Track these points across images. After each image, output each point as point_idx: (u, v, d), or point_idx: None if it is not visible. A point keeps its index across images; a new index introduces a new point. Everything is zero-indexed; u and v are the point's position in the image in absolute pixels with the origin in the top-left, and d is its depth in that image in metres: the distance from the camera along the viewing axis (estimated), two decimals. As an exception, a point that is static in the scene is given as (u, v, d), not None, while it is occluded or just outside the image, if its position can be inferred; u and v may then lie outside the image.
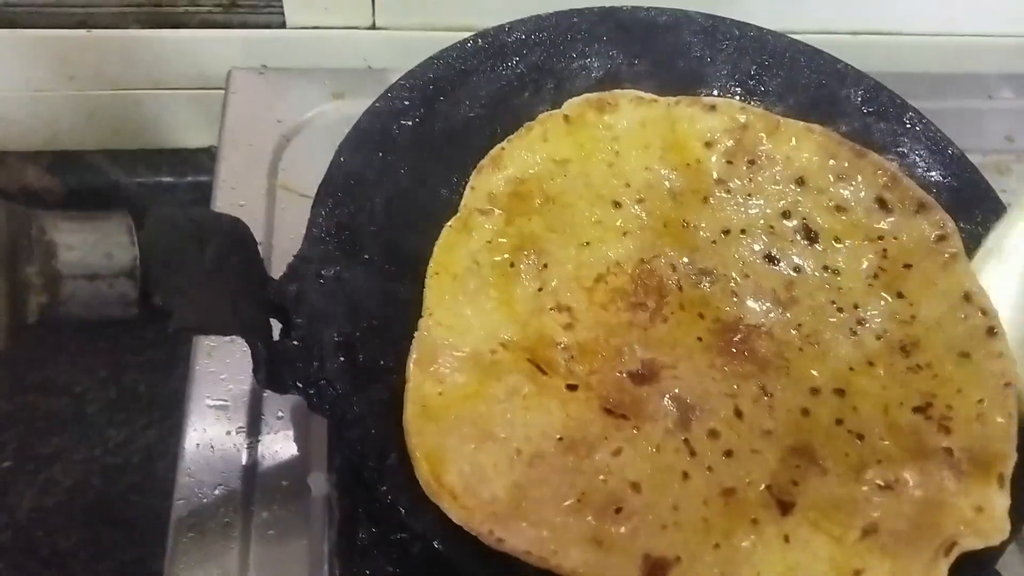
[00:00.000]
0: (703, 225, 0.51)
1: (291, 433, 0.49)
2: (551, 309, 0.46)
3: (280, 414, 0.49)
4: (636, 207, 0.51)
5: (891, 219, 0.51)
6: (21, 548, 0.75)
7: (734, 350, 0.46)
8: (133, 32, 0.70)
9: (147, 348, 0.82)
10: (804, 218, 0.51)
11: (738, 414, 0.44)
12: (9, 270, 0.30)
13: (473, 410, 0.41)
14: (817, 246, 0.51)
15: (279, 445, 0.48)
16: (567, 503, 0.39)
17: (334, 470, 0.47)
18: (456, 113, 0.55)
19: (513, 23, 0.59)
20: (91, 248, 0.33)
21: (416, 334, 0.44)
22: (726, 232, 0.51)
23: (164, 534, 0.59)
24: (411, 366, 0.43)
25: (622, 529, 0.39)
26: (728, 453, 0.42)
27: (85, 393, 0.82)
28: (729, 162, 0.53)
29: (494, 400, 0.42)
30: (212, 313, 0.37)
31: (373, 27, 0.72)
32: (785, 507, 0.41)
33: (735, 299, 0.48)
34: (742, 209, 0.52)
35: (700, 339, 0.46)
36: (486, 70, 0.57)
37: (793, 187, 0.52)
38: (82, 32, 0.70)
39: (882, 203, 0.52)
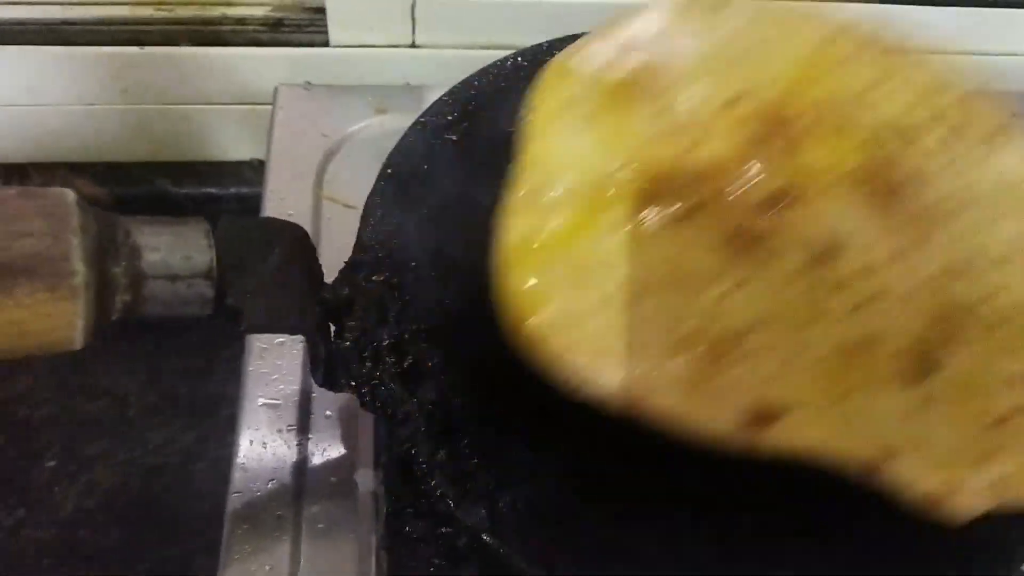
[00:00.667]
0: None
1: (338, 432, 0.51)
2: (669, 133, 0.41)
3: (328, 413, 0.51)
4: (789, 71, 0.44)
5: None
6: (65, 546, 0.77)
7: (891, 191, 0.40)
8: (183, 49, 0.73)
9: (187, 353, 0.85)
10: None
11: (886, 263, 0.39)
12: (98, 269, 0.33)
13: (574, 247, 0.38)
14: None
15: (327, 443, 0.50)
16: (669, 343, 0.36)
17: (380, 467, 0.49)
18: (497, 127, 0.57)
19: (551, 42, 0.61)
20: (172, 250, 0.35)
21: (512, 172, 0.40)
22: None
23: (201, 532, 0.60)
24: (508, 202, 0.39)
25: (729, 373, 0.35)
26: (867, 303, 0.37)
27: (126, 396, 0.85)
28: None
29: (597, 235, 0.38)
30: (279, 314, 0.39)
31: (413, 45, 0.75)
32: (921, 373, 0.37)
33: (899, 145, 0.41)
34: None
35: (850, 172, 0.40)
36: (526, 87, 0.59)
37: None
38: (134, 49, 0.73)
39: None
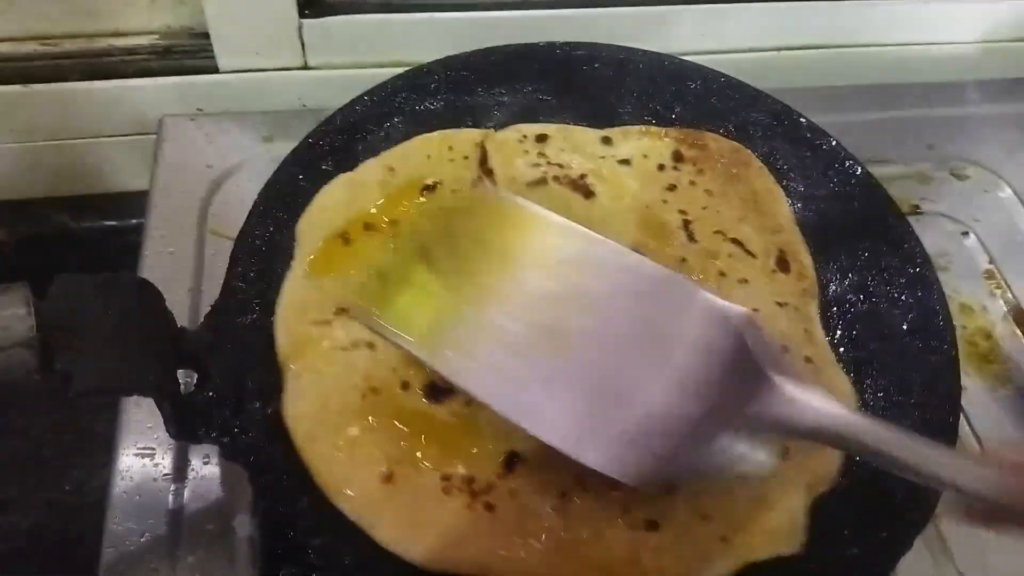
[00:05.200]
0: None
1: (217, 478, 0.50)
2: None
3: (206, 459, 0.51)
4: None
5: None
6: (-18, 591, 0.76)
7: None
8: (70, 85, 0.72)
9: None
10: None
11: None
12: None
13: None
14: None
15: (205, 490, 0.50)
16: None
17: (258, 513, 0.48)
18: (374, 155, 0.57)
19: (432, 64, 0.61)
20: (-13, 322, 0.34)
21: None
22: None
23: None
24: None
25: None
26: None
27: (41, 436, 0.83)
28: None
29: None
30: (113, 375, 0.38)
31: (305, 67, 0.74)
32: None
33: None
34: None
35: None
36: (406, 110, 0.59)
37: None
38: (18, 87, 0.71)
39: None
